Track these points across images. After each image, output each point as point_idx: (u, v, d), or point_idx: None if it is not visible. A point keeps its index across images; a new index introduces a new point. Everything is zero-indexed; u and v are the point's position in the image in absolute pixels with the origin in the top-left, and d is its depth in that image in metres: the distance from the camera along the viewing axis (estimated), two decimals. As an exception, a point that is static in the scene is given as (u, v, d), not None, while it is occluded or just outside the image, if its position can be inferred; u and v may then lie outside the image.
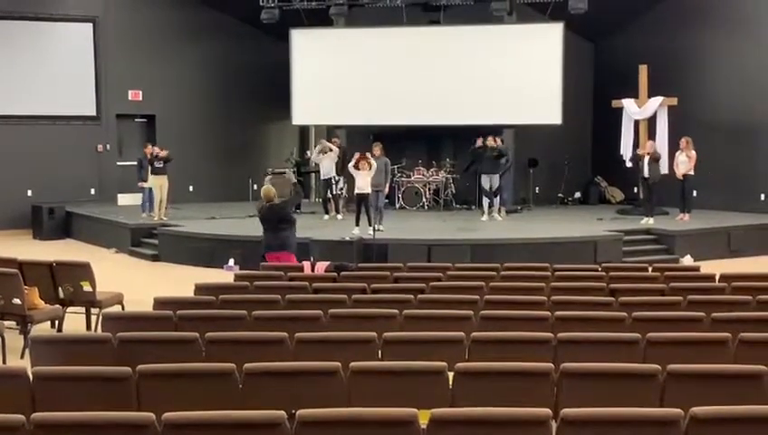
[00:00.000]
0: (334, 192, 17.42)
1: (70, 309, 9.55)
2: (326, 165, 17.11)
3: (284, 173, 18.12)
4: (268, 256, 10.75)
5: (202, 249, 14.53)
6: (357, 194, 14.78)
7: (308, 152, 18.56)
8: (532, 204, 19.64)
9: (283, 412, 4.19)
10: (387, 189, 16.07)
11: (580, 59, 20.22)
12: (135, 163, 18.17)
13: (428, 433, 4.17)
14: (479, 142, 16.61)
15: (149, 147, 17.36)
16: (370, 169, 14.66)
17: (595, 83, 21.17)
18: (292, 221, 10.96)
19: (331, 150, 17.16)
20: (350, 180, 16.49)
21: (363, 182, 14.60)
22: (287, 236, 10.81)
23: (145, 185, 17.20)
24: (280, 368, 5.25)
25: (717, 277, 9.07)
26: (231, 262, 13.72)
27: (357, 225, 14.58)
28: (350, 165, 15.06)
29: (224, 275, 12.31)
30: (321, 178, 17.41)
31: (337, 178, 17.27)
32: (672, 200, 16.68)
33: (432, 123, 18.83)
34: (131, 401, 5.03)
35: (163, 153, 16.81)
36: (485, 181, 16.48)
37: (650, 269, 9.96)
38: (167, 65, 20.38)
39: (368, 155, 15.02)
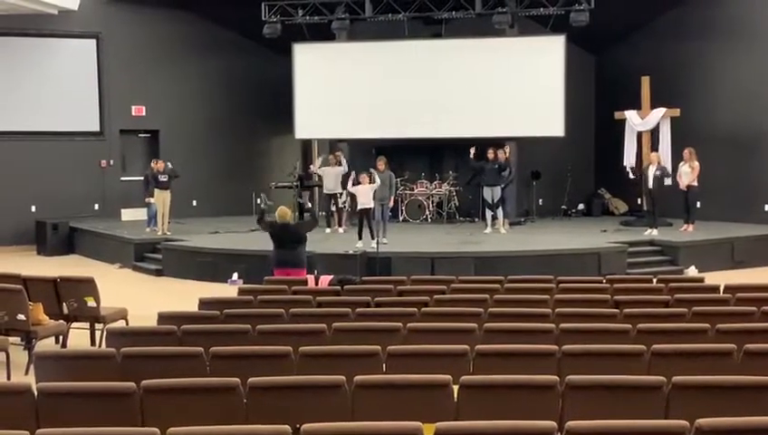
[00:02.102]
0: (339, 206, 17.43)
1: (74, 325, 9.55)
2: (331, 180, 17.09)
3: (290, 187, 18.16)
4: (278, 272, 10.77)
5: (206, 264, 14.54)
6: (360, 209, 14.81)
7: (311, 166, 18.58)
8: (535, 216, 19.63)
9: (287, 427, 4.18)
10: (391, 203, 16.09)
11: (582, 71, 20.25)
12: (141, 178, 18.26)
13: (433, 447, 4.16)
14: (473, 152, 16.53)
15: (154, 162, 17.40)
16: (371, 183, 14.71)
17: (597, 95, 21.19)
18: (305, 241, 11.03)
19: (339, 164, 17.15)
20: (353, 194, 16.53)
21: (366, 198, 14.64)
22: (301, 253, 10.88)
23: (152, 200, 17.20)
24: (284, 382, 5.25)
25: (722, 288, 9.06)
26: (235, 276, 13.73)
27: (360, 238, 14.60)
28: (349, 185, 15.13)
29: (227, 290, 12.32)
30: (325, 192, 17.39)
31: (341, 192, 17.27)
32: (676, 211, 16.67)
33: (434, 136, 18.85)
34: (136, 416, 5.03)
35: (159, 165, 16.85)
36: (488, 193, 16.48)
37: (655, 281, 9.96)
38: (170, 80, 20.45)
39: (372, 171, 15.11)
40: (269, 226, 11.12)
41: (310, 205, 12.43)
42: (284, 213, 11.03)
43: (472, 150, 16.45)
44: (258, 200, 11.89)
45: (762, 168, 17.37)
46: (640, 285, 9.78)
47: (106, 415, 4.90)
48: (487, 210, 16.75)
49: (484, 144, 16.79)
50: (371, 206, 14.65)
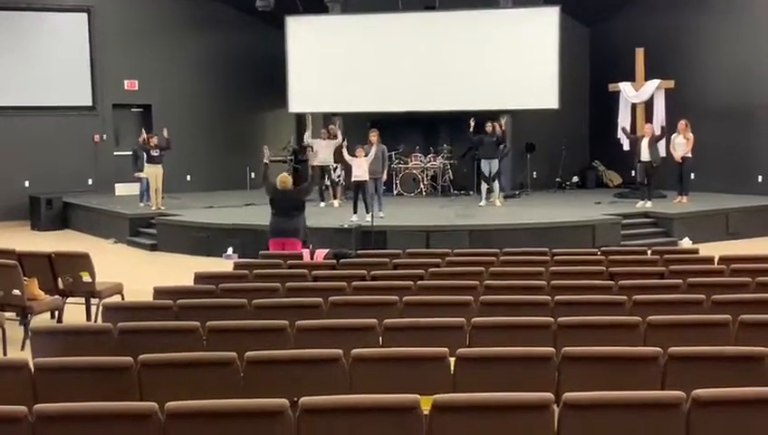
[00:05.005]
0: (332, 178, 17.36)
1: (69, 300, 9.55)
2: (323, 152, 17.01)
3: (284, 161, 18.11)
4: (273, 242, 10.77)
5: (200, 238, 14.52)
6: (354, 181, 14.76)
7: (305, 138, 18.46)
8: (529, 189, 19.62)
9: (285, 400, 4.19)
10: (385, 176, 16.05)
11: (576, 43, 20.19)
12: (131, 153, 18.19)
13: (431, 419, 4.17)
14: (472, 124, 16.45)
15: (144, 135, 17.34)
16: (366, 155, 14.67)
17: (592, 67, 21.14)
18: (304, 208, 11.09)
19: (334, 137, 17.06)
20: (348, 167, 16.51)
21: (361, 170, 14.59)
22: (298, 222, 10.93)
23: (142, 175, 17.18)
24: (281, 356, 5.25)
25: (716, 260, 9.07)
26: (230, 250, 13.72)
27: (355, 212, 14.57)
28: (345, 153, 15.09)
29: (223, 264, 12.31)
30: (317, 164, 17.26)
31: (334, 165, 17.20)
32: (670, 183, 16.69)
33: (429, 109, 18.81)
34: (133, 390, 5.04)
35: (153, 140, 16.78)
36: (485, 166, 16.47)
37: (649, 252, 9.97)
38: (162, 54, 20.33)
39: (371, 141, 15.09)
40: (271, 190, 11.12)
41: (310, 170, 12.41)
42: (285, 179, 11.10)
43: (471, 123, 16.39)
44: (264, 155, 11.85)
45: (755, 139, 17.38)
46: (635, 256, 9.79)
47: (103, 390, 4.90)
48: (483, 183, 16.76)
49: (482, 117, 16.74)
50: (366, 178, 14.60)
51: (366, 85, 18.80)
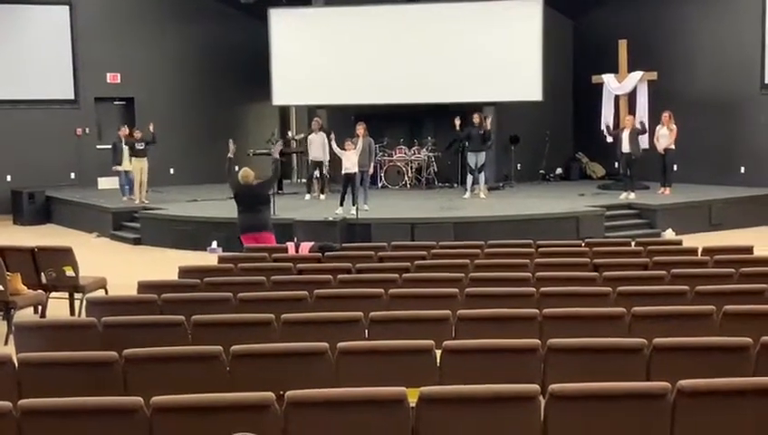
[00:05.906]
0: (323, 173, 17.30)
1: (53, 294, 9.51)
2: (317, 148, 16.92)
3: (267, 154, 18.02)
4: (245, 238, 10.71)
5: (184, 232, 14.47)
6: (344, 174, 14.72)
7: (289, 133, 18.39)
8: (513, 181, 19.64)
9: (271, 394, 4.19)
10: (371, 169, 16.04)
11: (559, 35, 20.20)
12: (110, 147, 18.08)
13: (418, 411, 4.18)
14: (458, 122, 16.47)
15: (124, 129, 17.26)
16: (356, 148, 14.65)
17: (575, 59, 21.16)
18: (269, 201, 10.99)
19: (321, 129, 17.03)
20: (334, 161, 16.52)
21: (350, 162, 14.57)
22: (265, 216, 10.84)
23: (120, 168, 17.10)
24: (267, 350, 5.24)
25: (699, 251, 9.12)
26: (214, 244, 13.69)
27: (341, 205, 14.55)
28: (334, 146, 15.05)
29: (207, 258, 12.29)
30: (311, 159, 17.20)
31: (328, 160, 17.15)
32: (653, 175, 16.76)
33: (413, 102, 18.79)
34: (118, 385, 5.01)
35: (137, 134, 16.69)
36: (472, 158, 16.48)
37: (633, 244, 10.02)
38: (145, 47, 20.20)
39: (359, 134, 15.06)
40: (235, 185, 11.02)
41: (278, 157, 12.25)
42: (248, 174, 10.88)
43: (457, 122, 16.41)
44: (229, 149, 11.65)
45: (738, 130, 17.47)
46: (619, 248, 9.83)
47: (88, 385, 4.88)
48: (468, 175, 16.77)
49: (466, 112, 16.75)
50: (355, 171, 14.58)
51: (350, 78, 18.75)
